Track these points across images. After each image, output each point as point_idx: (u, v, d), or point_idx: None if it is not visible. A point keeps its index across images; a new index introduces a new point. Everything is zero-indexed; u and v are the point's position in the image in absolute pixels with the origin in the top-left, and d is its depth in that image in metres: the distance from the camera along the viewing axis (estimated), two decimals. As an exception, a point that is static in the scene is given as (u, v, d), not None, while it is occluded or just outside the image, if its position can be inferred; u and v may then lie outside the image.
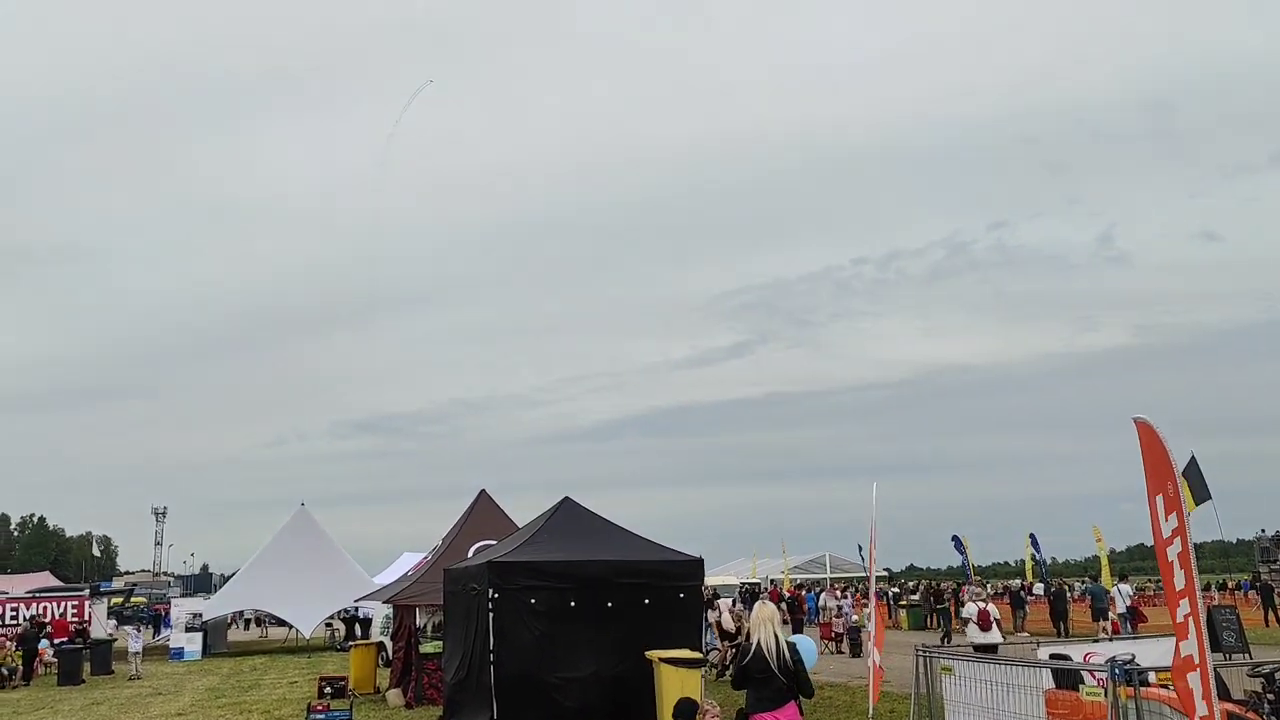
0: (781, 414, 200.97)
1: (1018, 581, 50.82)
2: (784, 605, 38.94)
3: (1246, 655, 20.08)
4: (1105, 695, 7.37)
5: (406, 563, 35.43)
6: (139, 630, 30.10)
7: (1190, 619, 5.61)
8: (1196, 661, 5.44)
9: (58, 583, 46.66)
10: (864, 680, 15.22)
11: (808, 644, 9.90)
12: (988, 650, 14.42)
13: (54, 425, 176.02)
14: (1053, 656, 9.77)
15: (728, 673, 17.41)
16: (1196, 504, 27.27)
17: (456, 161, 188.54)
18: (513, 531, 16.66)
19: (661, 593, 12.92)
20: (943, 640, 24.54)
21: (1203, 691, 5.41)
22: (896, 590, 52.20)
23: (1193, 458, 27.91)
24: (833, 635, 30.27)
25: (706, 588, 32.61)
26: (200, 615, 34.20)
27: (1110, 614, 28.77)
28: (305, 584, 31.77)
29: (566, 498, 14.52)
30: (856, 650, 27.23)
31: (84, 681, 25.35)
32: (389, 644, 22.95)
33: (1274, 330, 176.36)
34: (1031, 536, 53.40)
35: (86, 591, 38.32)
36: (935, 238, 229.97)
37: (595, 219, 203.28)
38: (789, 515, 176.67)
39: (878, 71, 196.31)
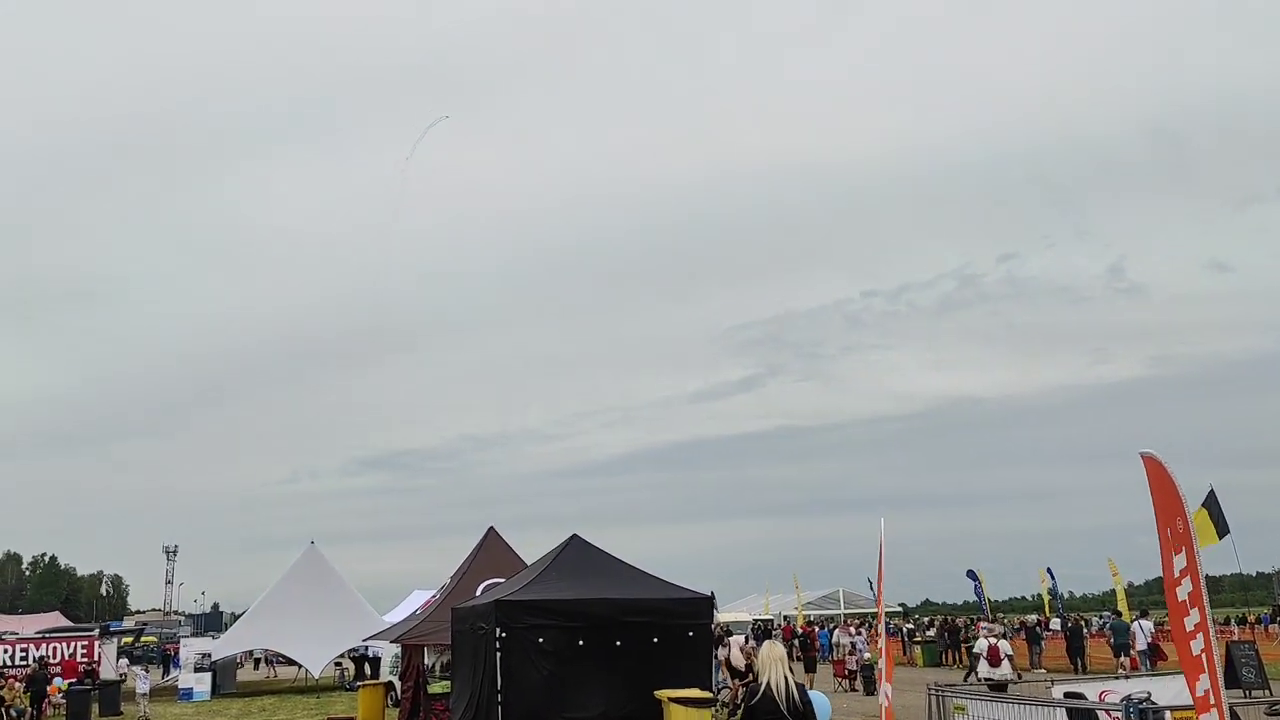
0: (793, 447, 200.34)
1: (1033, 616, 50.27)
2: (796, 642, 38.56)
3: (1267, 691, 19.79)
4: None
5: (416, 600, 35.22)
6: (147, 670, 29.96)
7: (1205, 655, 5.51)
8: (1212, 701, 5.34)
9: (67, 622, 46.57)
10: (876, 719, 15.00)
11: (822, 701, 9.75)
12: (997, 688, 14.25)
13: (67, 464, 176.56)
14: (1067, 695, 9.65)
15: (738, 713, 17.14)
16: (1219, 538, 26.97)
17: (468, 198, 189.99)
18: (521, 569, 16.56)
19: (670, 631, 12.79)
20: (965, 678, 24.23)
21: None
22: (911, 626, 51.68)
23: (1211, 491, 27.66)
24: (846, 673, 29.92)
25: (717, 625, 32.34)
26: (209, 655, 34.03)
27: (1131, 650, 28.38)
28: (314, 623, 31.60)
29: (574, 535, 14.45)
30: (870, 688, 26.91)
31: (92, 723, 25.20)
32: (397, 684, 22.78)
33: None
34: (1048, 571, 52.98)
35: (96, 631, 38.19)
36: (945, 270, 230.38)
37: (605, 254, 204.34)
38: (802, 550, 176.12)
39: (885, 105, 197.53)
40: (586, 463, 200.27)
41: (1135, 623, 29.46)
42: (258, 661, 50.33)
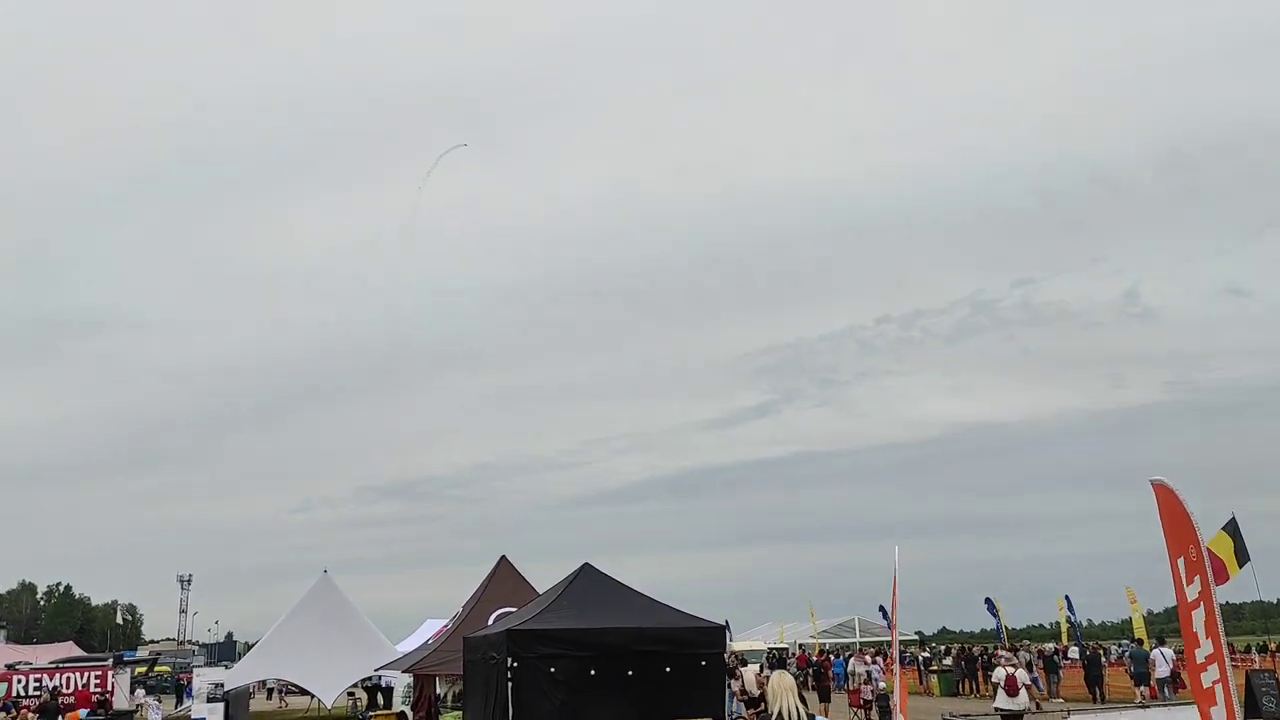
0: (808, 474, 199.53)
1: (1051, 645, 49.73)
2: (810, 671, 38.31)
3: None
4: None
5: (429, 629, 35.10)
6: (159, 701, 29.92)
7: (1219, 685, 5.45)
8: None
9: (81, 652, 46.57)
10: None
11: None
12: (1013, 717, 14.11)
13: (84, 494, 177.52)
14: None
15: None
16: (1239, 566, 26.60)
17: (483, 227, 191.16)
18: (533, 598, 16.52)
19: (683, 660, 12.72)
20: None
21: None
22: (927, 655, 51.21)
23: (1233, 518, 27.31)
24: (861, 702, 29.64)
25: (731, 654, 32.14)
26: (222, 685, 33.93)
27: (1151, 678, 28.04)
28: (327, 652, 31.49)
29: (586, 564, 14.41)
30: (886, 718, 26.64)
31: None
32: (410, 714, 22.68)
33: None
34: (1066, 599, 52.50)
35: (110, 661, 38.18)
36: (959, 296, 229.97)
37: (619, 281, 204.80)
38: (817, 578, 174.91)
39: (899, 133, 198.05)
40: (600, 490, 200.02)
41: (1156, 650, 29.09)
42: (271, 691, 50.19)
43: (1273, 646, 56.24)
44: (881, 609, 59.26)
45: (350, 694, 36.61)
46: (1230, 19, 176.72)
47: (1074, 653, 46.22)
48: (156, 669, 59.36)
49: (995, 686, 18.13)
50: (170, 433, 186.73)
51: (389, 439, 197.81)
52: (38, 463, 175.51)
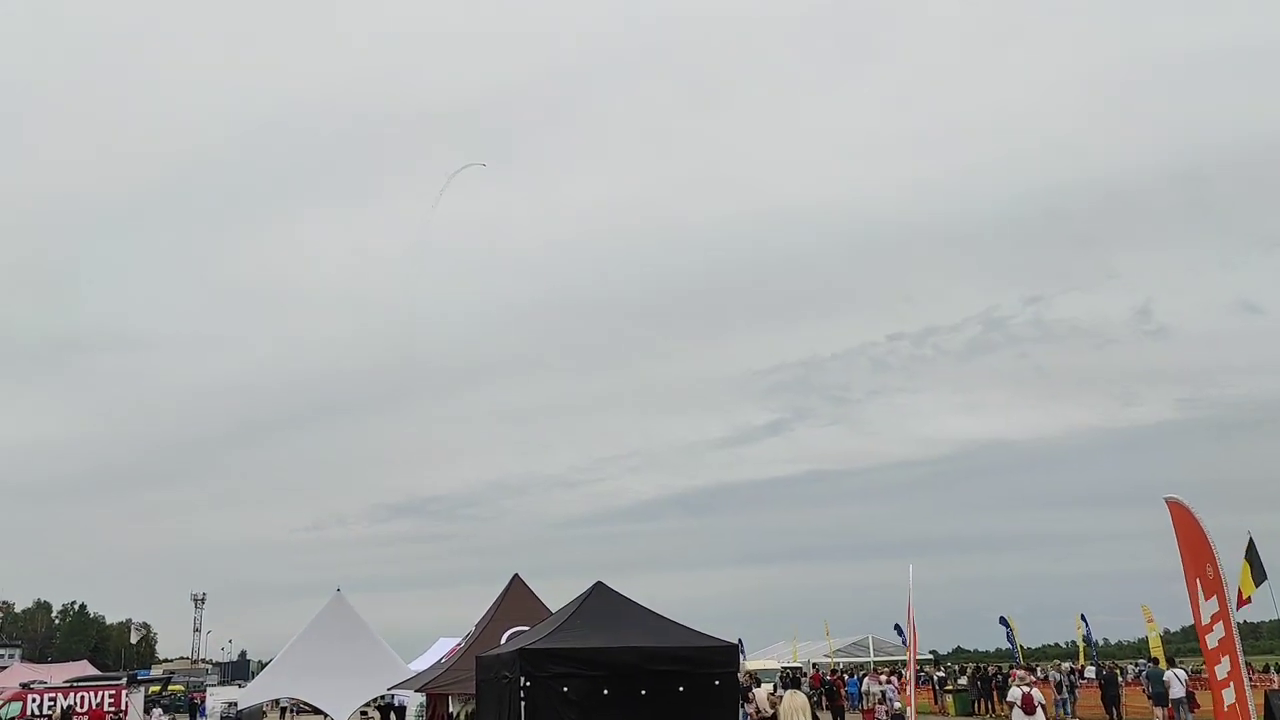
0: (821, 492, 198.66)
1: (1067, 664, 49.31)
2: (823, 691, 38.07)
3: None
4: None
5: (442, 648, 35.05)
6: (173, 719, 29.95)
7: (1238, 705, 5.41)
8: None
9: (96, 671, 46.65)
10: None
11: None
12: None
13: (97, 512, 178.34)
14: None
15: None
16: (1255, 585, 26.41)
17: (494, 244, 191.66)
18: (546, 617, 16.49)
19: (696, 680, 12.67)
20: None
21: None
22: (942, 674, 50.83)
23: (1250, 538, 27.12)
24: (876, 722, 29.46)
25: (744, 674, 31.97)
26: (235, 704, 33.96)
27: (1167, 699, 27.82)
28: (340, 671, 31.46)
29: (599, 582, 14.39)
30: (901, 738, 26.46)
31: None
32: (423, 733, 22.64)
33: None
34: (1082, 617, 52.14)
35: (124, 680, 38.24)
36: (971, 313, 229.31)
37: (631, 299, 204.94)
38: (830, 596, 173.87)
39: (909, 148, 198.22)
40: (611, 508, 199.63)
41: (1169, 671, 28.86)
42: (284, 710, 50.11)
43: (1292, 666, 55.79)
44: (897, 627, 58.93)
45: (363, 713, 36.53)
46: (1242, 33, 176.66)
47: (1090, 672, 45.79)
48: (170, 688, 59.32)
49: (1011, 706, 18.02)
50: (184, 450, 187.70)
51: (401, 456, 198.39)
52: (52, 480, 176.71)
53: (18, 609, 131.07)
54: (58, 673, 43.96)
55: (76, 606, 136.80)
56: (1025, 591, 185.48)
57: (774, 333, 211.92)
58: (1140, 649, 78.25)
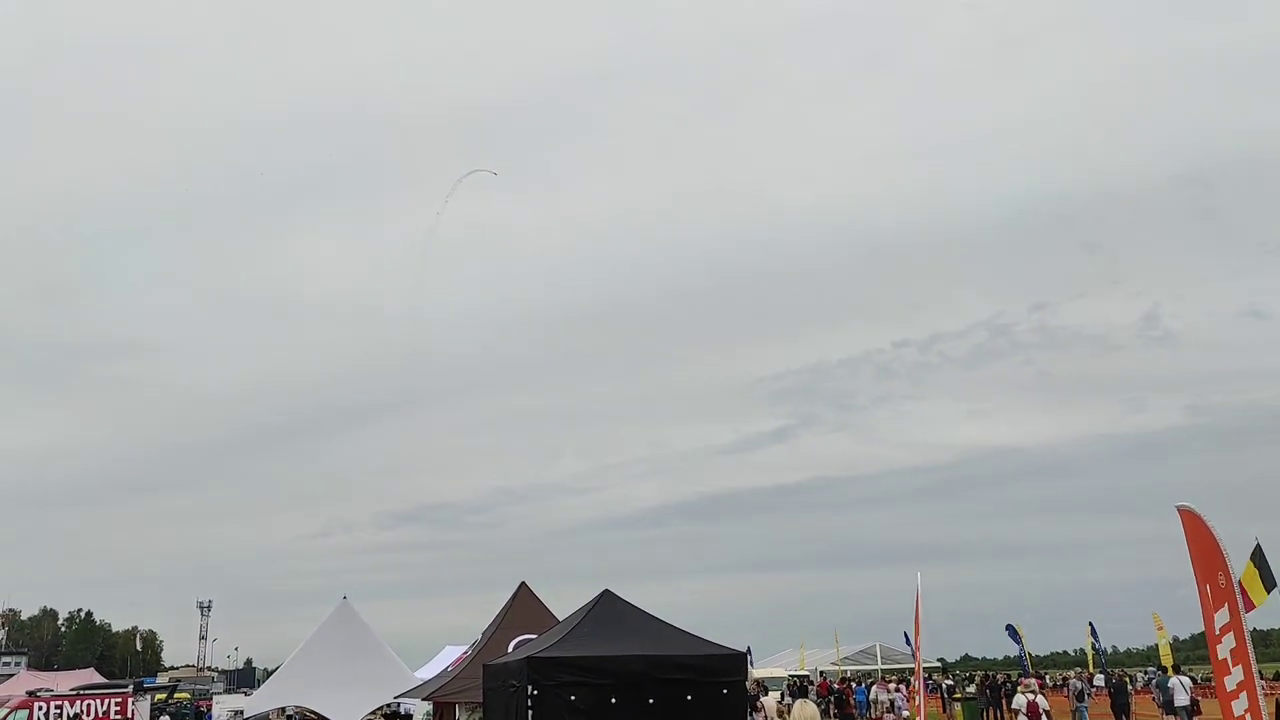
0: (827, 499, 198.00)
1: (1088, 673, 49.15)
2: (831, 699, 37.95)
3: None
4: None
5: (448, 656, 35.03)
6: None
7: (1249, 714, 5.37)
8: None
9: (102, 679, 46.65)
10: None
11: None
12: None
13: (104, 519, 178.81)
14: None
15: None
16: (1266, 592, 26.29)
17: (499, 252, 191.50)
18: (553, 625, 16.47)
19: (704, 688, 12.63)
20: None
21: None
22: (950, 682, 50.66)
23: (1258, 545, 27.00)
24: (884, 731, 29.36)
25: (752, 682, 31.89)
26: (241, 712, 33.94)
27: (1173, 706, 27.77)
28: (347, 680, 31.43)
29: (606, 590, 14.37)
30: (909, 746, 26.37)
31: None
32: (429, 741, 22.60)
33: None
34: (1090, 625, 51.92)
35: (130, 688, 38.24)
36: (977, 320, 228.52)
37: (636, 306, 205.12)
38: (837, 604, 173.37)
39: (914, 156, 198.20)
40: (618, 516, 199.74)
41: (1174, 679, 28.89)
42: (289, 719, 50.06)
43: (1303, 674, 55.51)
44: (905, 635, 58.74)
45: (369, 721, 36.50)
46: (1249, 39, 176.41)
47: (1099, 680, 45.60)
48: (176, 695, 59.31)
49: (1017, 713, 17.99)
50: (190, 458, 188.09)
51: (408, 464, 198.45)
52: (58, 487, 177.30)
53: (24, 616, 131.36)
54: (64, 680, 43.96)
55: (83, 614, 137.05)
56: (1033, 599, 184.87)
57: (780, 340, 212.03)
58: (1150, 656, 77.81)
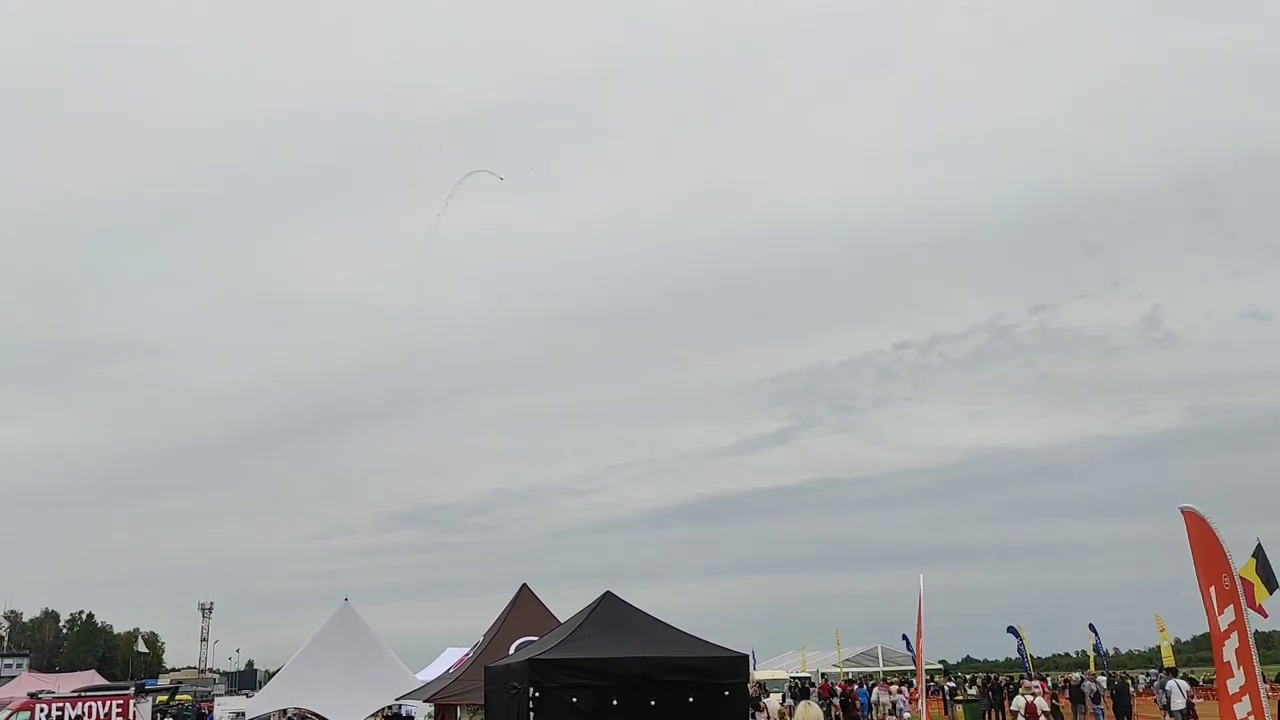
0: (828, 500, 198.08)
1: (1077, 674, 49.10)
2: (835, 701, 37.91)
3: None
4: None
5: (450, 658, 35.00)
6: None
7: (1252, 717, 5.35)
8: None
9: (103, 681, 46.63)
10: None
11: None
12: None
13: (106, 521, 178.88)
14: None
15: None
16: (1269, 593, 26.28)
17: (499, 253, 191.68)
18: (554, 627, 16.46)
19: (705, 690, 12.61)
20: None
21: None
22: (952, 684, 50.60)
23: (1259, 545, 26.98)
24: (886, 733, 29.34)
25: (753, 684, 31.87)
26: (243, 714, 33.94)
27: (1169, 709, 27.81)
28: (348, 681, 31.41)
29: (608, 592, 14.35)
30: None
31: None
32: (431, 743, 22.59)
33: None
34: (1091, 627, 51.86)
35: (131, 690, 38.21)
36: (977, 321, 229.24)
37: (637, 307, 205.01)
38: (839, 605, 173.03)
39: (914, 157, 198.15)
40: (619, 517, 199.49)
41: (1171, 682, 28.94)
42: (291, 720, 50.06)
43: (1305, 676, 55.40)
44: (904, 637, 58.67)
45: (370, 723, 36.45)
46: (1249, 39, 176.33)
47: (1101, 681, 45.56)
48: (178, 697, 59.33)
49: (1015, 714, 17.99)
50: (190, 459, 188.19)
51: (408, 465, 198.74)
52: (60, 489, 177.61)
53: (25, 618, 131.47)
54: (65, 682, 43.92)
55: (84, 616, 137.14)
56: (1034, 600, 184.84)
57: (780, 341, 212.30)
58: (1152, 658, 77.82)
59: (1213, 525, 5.52)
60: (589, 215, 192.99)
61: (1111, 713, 31.81)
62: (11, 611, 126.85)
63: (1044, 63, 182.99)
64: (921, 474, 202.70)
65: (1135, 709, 31.91)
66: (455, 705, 18.09)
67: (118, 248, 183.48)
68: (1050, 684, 48.18)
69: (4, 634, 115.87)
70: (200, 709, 51.70)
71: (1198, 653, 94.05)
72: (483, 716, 16.32)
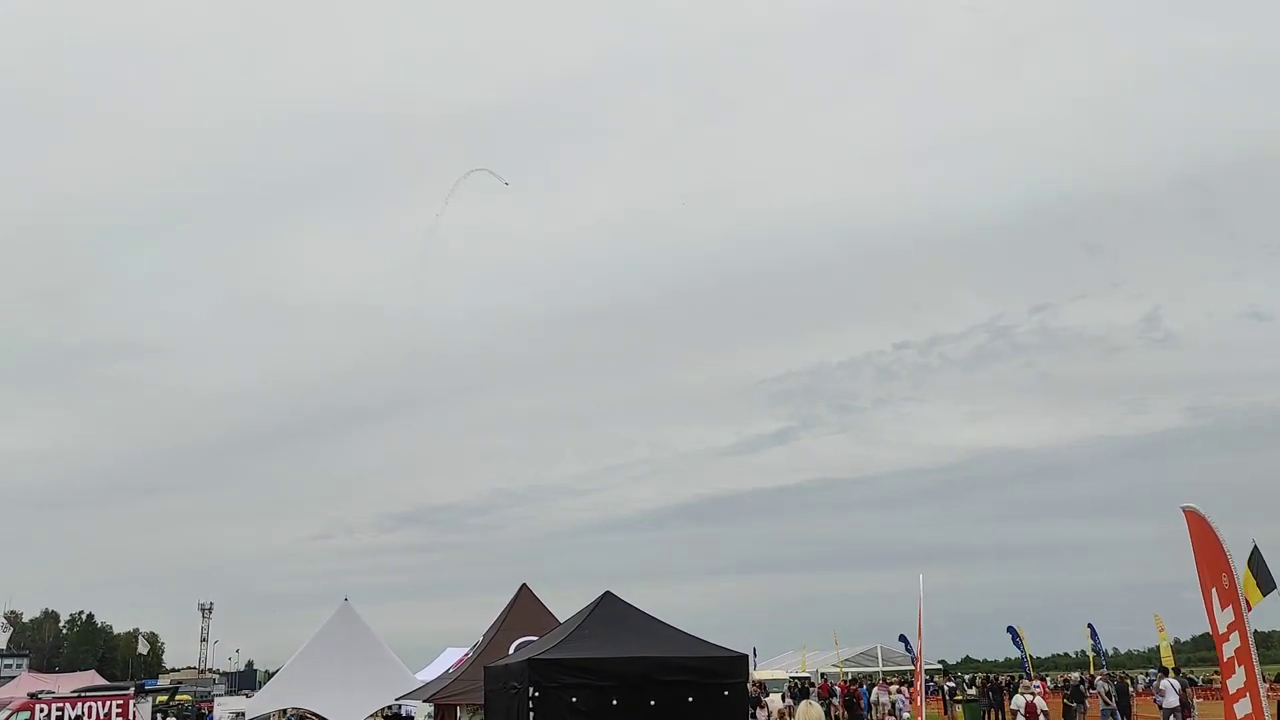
0: (828, 500, 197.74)
1: (1076, 674, 49.09)
2: (835, 701, 37.90)
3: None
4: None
5: (450, 658, 35.02)
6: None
7: (1252, 717, 5.35)
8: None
9: (103, 681, 46.63)
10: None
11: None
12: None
13: (106, 521, 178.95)
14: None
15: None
16: (1263, 594, 26.32)
17: (499, 254, 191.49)
18: (554, 627, 16.46)
19: (705, 690, 12.62)
20: None
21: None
22: (952, 684, 50.61)
23: (1255, 547, 27.03)
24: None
25: (753, 684, 31.89)
26: (243, 714, 33.95)
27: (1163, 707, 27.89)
28: (348, 681, 31.41)
29: (607, 592, 14.36)
30: (911, 748, 26.36)
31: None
32: (430, 743, 22.60)
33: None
34: (1090, 626, 51.85)
35: (131, 690, 38.20)
36: (977, 321, 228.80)
37: (636, 308, 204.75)
38: (839, 605, 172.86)
39: (914, 157, 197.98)
40: (619, 517, 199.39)
41: (1164, 680, 29.00)
42: (291, 720, 50.07)
43: (1305, 676, 55.41)
44: (902, 638, 58.68)
45: (370, 723, 36.45)
46: (1249, 40, 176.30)
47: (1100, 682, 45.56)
48: (178, 698, 59.33)
49: (1015, 714, 18.01)
50: (191, 459, 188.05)
51: (408, 466, 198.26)
52: (60, 489, 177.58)
53: (25, 618, 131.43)
54: (65, 683, 43.92)
55: (84, 616, 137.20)
56: (1034, 600, 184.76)
57: (780, 341, 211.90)
58: (1151, 658, 77.77)
59: (1213, 525, 5.52)
60: (589, 215, 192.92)
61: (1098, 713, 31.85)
62: (11, 612, 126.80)
63: (1044, 63, 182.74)
64: (921, 474, 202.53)
65: (1134, 709, 31.92)
66: (455, 705, 18.10)
67: (118, 248, 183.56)
68: (1050, 684, 48.23)
69: (4, 634, 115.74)
70: (200, 709, 51.71)
71: (1197, 653, 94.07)
72: (482, 716, 16.33)
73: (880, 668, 64.07)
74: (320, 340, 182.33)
